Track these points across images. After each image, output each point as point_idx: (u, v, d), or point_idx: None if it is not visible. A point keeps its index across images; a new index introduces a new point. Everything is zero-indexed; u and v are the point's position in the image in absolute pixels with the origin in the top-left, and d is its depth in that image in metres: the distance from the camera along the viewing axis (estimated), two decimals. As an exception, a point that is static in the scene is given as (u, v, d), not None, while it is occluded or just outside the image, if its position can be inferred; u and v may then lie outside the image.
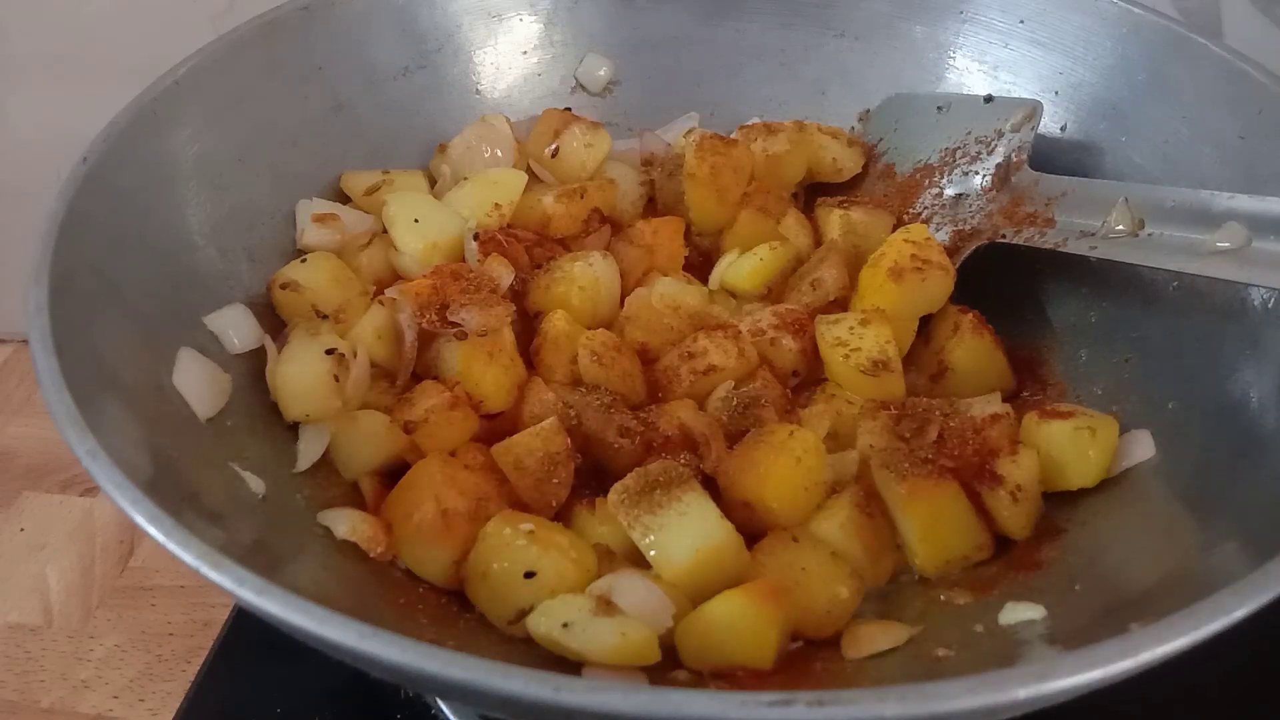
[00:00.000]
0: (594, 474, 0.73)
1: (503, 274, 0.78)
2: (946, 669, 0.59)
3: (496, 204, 0.84)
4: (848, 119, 0.97)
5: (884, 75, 0.96)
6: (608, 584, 0.61)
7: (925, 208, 0.88)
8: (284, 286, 0.78)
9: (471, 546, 0.65)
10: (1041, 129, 0.85)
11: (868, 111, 0.97)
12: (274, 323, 0.78)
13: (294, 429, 0.72)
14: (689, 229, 0.89)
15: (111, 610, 1.01)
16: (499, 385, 0.74)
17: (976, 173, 0.86)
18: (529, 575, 0.62)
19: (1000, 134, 0.86)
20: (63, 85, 1.12)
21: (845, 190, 0.95)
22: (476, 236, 0.80)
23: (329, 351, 0.71)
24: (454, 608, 0.65)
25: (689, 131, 0.93)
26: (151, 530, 0.50)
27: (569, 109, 0.95)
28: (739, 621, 0.59)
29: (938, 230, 0.86)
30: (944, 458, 0.69)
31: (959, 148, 0.88)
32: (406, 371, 0.75)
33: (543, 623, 0.59)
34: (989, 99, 0.88)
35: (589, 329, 0.78)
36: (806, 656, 0.63)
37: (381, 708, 0.79)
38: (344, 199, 0.87)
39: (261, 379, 0.73)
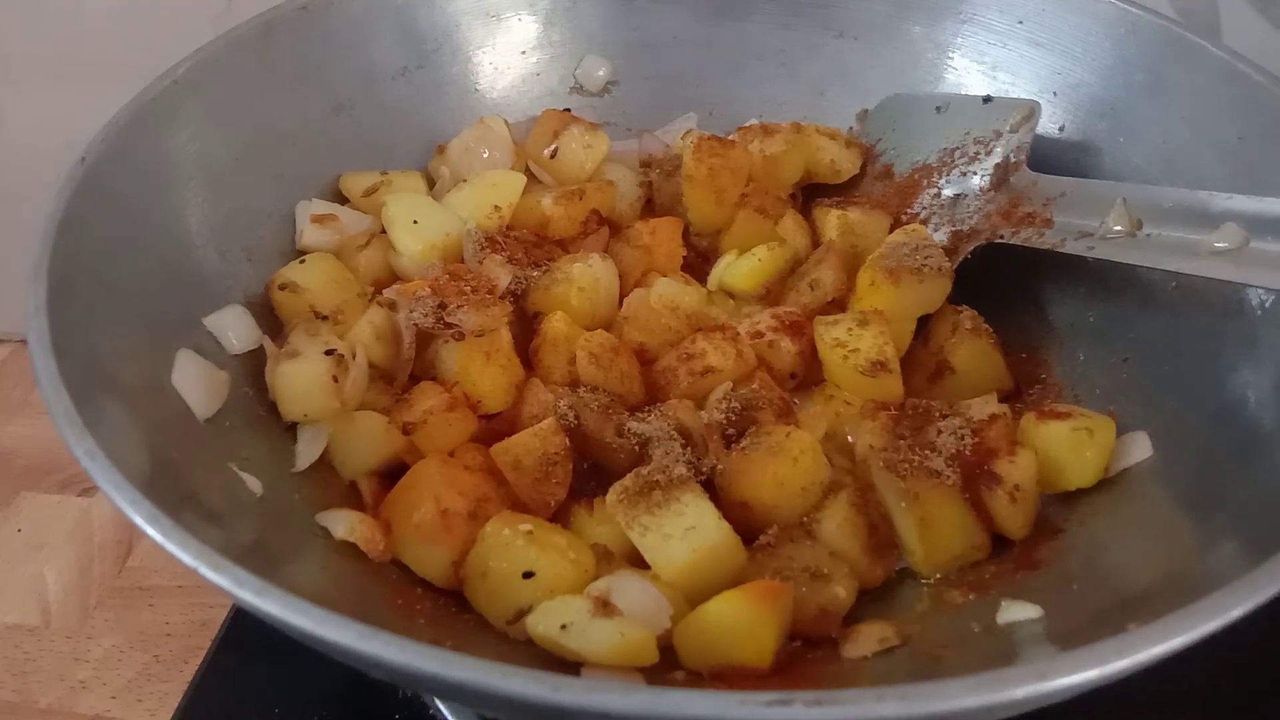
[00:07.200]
0: (593, 474, 0.73)
1: (501, 275, 0.78)
2: (945, 669, 0.59)
3: (496, 206, 0.84)
4: (846, 119, 0.97)
5: (883, 75, 0.96)
6: (606, 585, 0.61)
7: (923, 208, 0.88)
8: (283, 287, 0.78)
9: (470, 547, 0.65)
10: (1040, 129, 0.85)
11: (866, 112, 0.97)
12: (273, 323, 0.78)
13: (292, 429, 0.72)
14: (687, 230, 0.89)
15: (109, 610, 1.01)
16: (496, 385, 0.74)
17: (975, 173, 0.86)
18: (527, 575, 0.62)
19: (999, 134, 0.86)
20: (62, 85, 1.12)
21: (843, 191, 0.95)
22: (475, 238, 0.80)
23: (328, 352, 0.71)
24: (453, 608, 0.65)
25: (687, 133, 0.93)
26: (150, 530, 0.50)
27: (568, 110, 0.95)
28: (737, 622, 0.59)
29: (936, 231, 0.86)
30: (942, 458, 0.69)
31: (957, 148, 0.88)
32: (405, 372, 0.75)
33: (541, 623, 0.59)
34: (987, 99, 0.88)
35: (588, 330, 0.78)
36: (804, 656, 0.63)
37: (381, 708, 0.79)
38: (343, 199, 0.87)
39: (260, 379, 0.73)
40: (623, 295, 0.83)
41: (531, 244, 0.84)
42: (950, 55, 0.94)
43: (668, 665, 0.60)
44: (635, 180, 0.93)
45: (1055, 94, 0.88)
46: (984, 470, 0.68)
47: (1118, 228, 0.76)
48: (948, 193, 0.88)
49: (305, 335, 0.73)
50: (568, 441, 0.71)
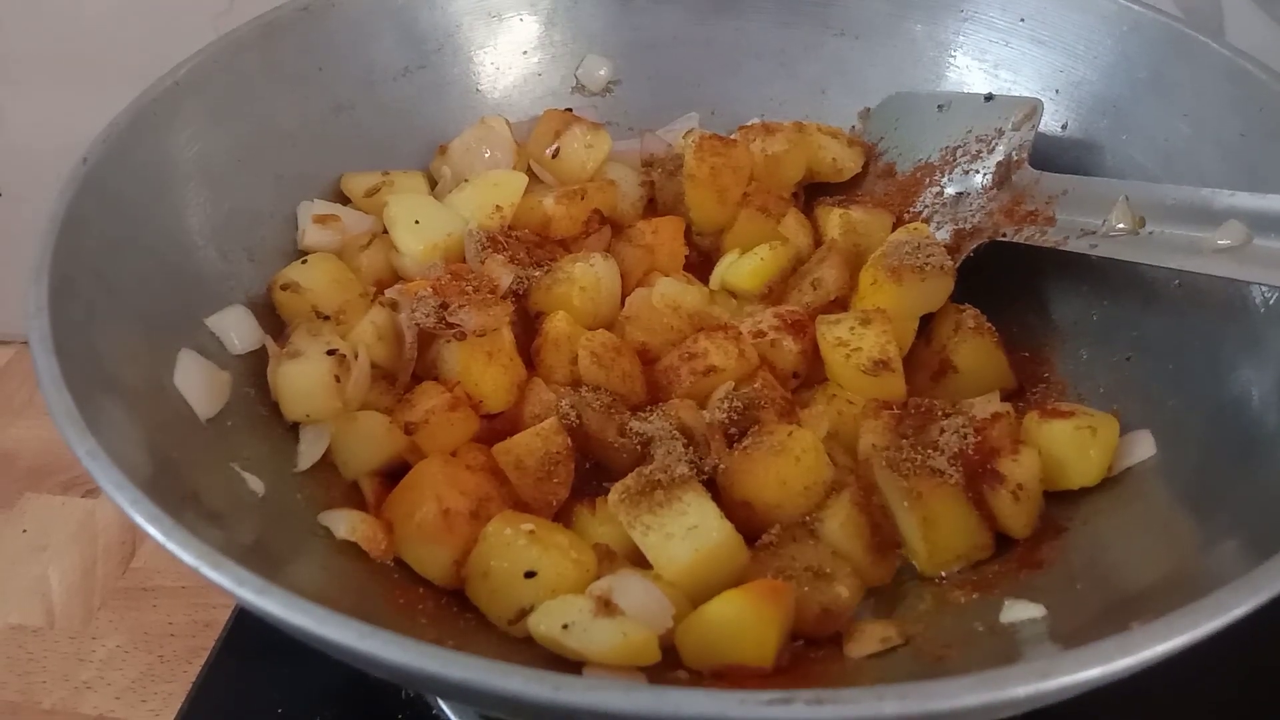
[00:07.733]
0: (595, 474, 0.73)
1: (503, 275, 0.78)
2: (948, 668, 0.59)
3: (497, 206, 0.84)
4: (848, 118, 0.97)
5: (884, 74, 0.96)
6: (608, 584, 0.61)
7: (926, 206, 0.88)
8: (284, 287, 0.78)
9: (472, 546, 0.65)
10: (1042, 127, 0.85)
11: (868, 110, 0.97)
12: (275, 323, 0.78)
13: (294, 429, 0.72)
14: (689, 229, 0.89)
15: (113, 611, 1.01)
16: (498, 385, 0.74)
17: (977, 171, 0.86)
18: (529, 575, 0.62)
19: (1001, 132, 0.86)
20: (63, 86, 1.12)
21: (845, 190, 0.95)
22: (477, 238, 0.80)
23: (330, 352, 0.71)
24: (454, 608, 0.65)
25: (688, 132, 0.93)
26: (151, 530, 0.50)
27: (569, 109, 0.95)
28: (739, 621, 0.59)
29: (938, 229, 0.86)
30: (945, 457, 0.69)
31: (959, 146, 0.88)
32: (407, 372, 0.75)
33: (543, 623, 0.59)
34: (989, 97, 0.88)
35: (590, 329, 0.78)
36: (807, 656, 0.63)
37: (381, 708, 0.79)
38: (344, 200, 0.87)
39: (262, 379, 0.73)
40: (625, 295, 0.83)
41: (533, 244, 0.84)
42: (952, 53, 0.94)
43: (669, 665, 0.60)
44: (637, 180, 0.92)
45: (1057, 92, 0.88)
46: (987, 469, 0.68)
47: (1120, 225, 0.75)
48: (950, 191, 0.88)
49: (307, 335, 0.73)
50: (570, 441, 0.71)
